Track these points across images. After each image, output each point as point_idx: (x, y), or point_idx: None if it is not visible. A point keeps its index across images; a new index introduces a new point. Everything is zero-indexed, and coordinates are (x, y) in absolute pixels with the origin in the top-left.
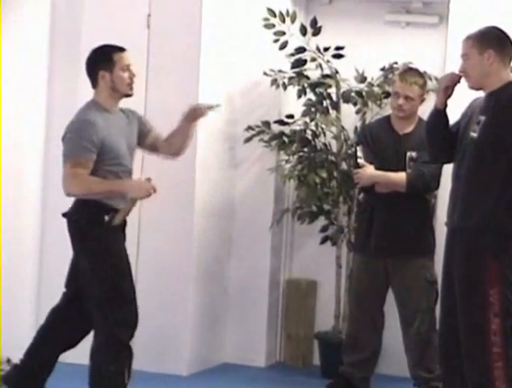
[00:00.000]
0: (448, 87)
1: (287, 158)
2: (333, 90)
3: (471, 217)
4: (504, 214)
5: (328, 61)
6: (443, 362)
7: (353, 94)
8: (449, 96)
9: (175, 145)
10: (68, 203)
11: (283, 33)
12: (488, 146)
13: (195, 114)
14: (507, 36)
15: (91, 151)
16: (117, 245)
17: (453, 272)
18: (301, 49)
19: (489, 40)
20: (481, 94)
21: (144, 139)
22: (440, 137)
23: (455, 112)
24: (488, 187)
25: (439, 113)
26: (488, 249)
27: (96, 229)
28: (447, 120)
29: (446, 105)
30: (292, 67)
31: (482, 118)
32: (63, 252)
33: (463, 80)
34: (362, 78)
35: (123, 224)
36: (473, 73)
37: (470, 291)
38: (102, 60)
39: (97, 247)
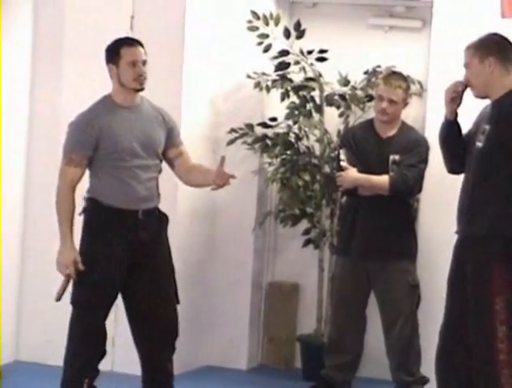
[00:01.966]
0: (454, 98)
1: (270, 160)
2: (316, 94)
3: (477, 224)
4: (509, 222)
5: (311, 64)
6: (441, 361)
7: (336, 97)
8: (458, 105)
9: (193, 180)
10: (50, 205)
11: (267, 36)
12: (493, 155)
13: (220, 181)
14: (508, 42)
15: (84, 147)
16: (103, 252)
17: (463, 278)
18: (285, 52)
19: (489, 47)
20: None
21: (166, 150)
22: (454, 147)
23: (466, 119)
24: (493, 196)
25: (450, 124)
26: (495, 256)
27: (90, 229)
28: (460, 130)
29: (456, 115)
30: (276, 70)
31: (487, 127)
32: (45, 252)
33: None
34: (345, 82)
35: (131, 230)
36: (476, 82)
37: (477, 298)
38: (111, 53)
39: (84, 246)
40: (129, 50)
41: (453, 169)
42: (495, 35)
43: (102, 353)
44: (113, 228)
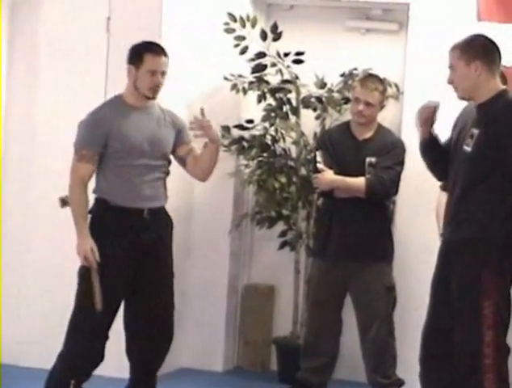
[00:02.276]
0: (427, 119)
1: (246, 162)
2: (292, 96)
3: (467, 229)
4: (500, 226)
5: (288, 67)
6: (426, 365)
7: (313, 99)
8: (432, 124)
9: (200, 166)
10: (25, 208)
11: (244, 38)
12: (483, 160)
13: (203, 129)
14: (494, 44)
15: (95, 144)
16: (108, 252)
17: (449, 282)
18: (261, 54)
19: (476, 50)
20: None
21: (176, 149)
22: (437, 159)
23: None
24: (484, 201)
25: (427, 141)
26: (484, 261)
27: (95, 229)
28: (438, 144)
29: (431, 133)
30: (252, 72)
31: (475, 131)
32: (20, 254)
33: (448, 91)
34: (322, 84)
35: (136, 229)
36: (461, 84)
37: (465, 303)
38: (134, 55)
39: (96, 244)
40: (152, 59)
41: (442, 178)
42: (481, 36)
43: (100, 357)
44: (118, 227)
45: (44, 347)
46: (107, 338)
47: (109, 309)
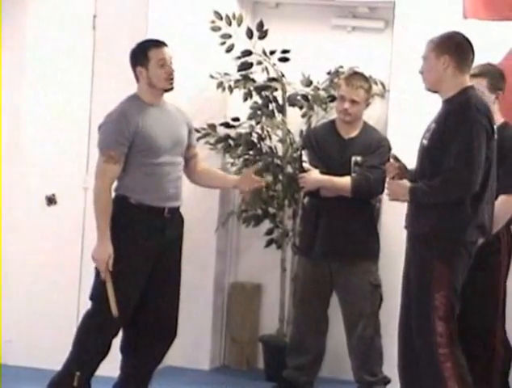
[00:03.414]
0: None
1: (232, 160)
2: (279, 94)
3: (420, 222)
4: (451, 221)
5: (274, 65)
6: (402, 362)
7: (299, 97)
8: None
9: (206, 182)
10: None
11: (230, 36)
12: (436, 153)
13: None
14: (469, 43)
15: (122, 144)
16: (129, 249)
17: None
18: (247, 52)
19: (448, 45)
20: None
21: (185, 149)
22: None
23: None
24: None
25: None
26: (436, 254)
27: (116, 226)
28: None
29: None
30: (238, 70)
31: (433, 125)
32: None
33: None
34: (308, 82)
35: (157, 228)
36: (428, 75)
37: (418, 294)
38: (139, 56)
39: (115, 242)
40: (158, 51)
41: None
42: (458, 34)
43: (106, 352)
44: (140, 225)
45: (31, 346)
46: (116, 334)
47: (126, 304)
